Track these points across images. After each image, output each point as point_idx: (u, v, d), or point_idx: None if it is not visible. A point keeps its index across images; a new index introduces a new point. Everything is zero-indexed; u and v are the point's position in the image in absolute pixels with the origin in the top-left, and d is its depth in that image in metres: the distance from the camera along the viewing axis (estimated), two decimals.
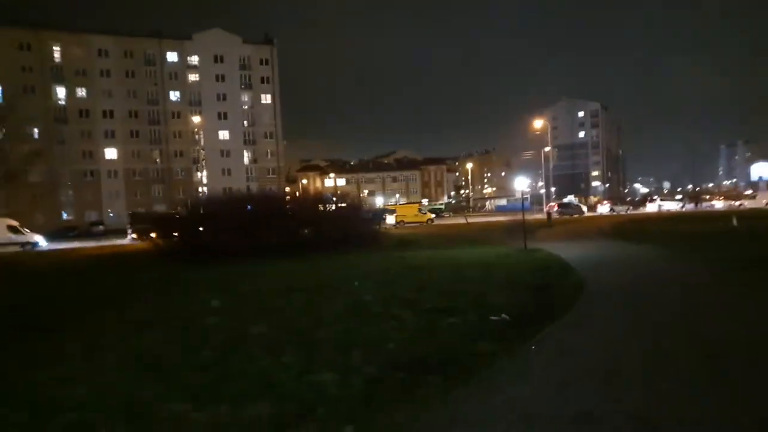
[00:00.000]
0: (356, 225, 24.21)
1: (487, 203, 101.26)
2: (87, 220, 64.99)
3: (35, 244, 35.95)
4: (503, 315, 7.56)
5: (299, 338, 6.62)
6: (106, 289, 13.12)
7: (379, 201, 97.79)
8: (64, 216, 68.24)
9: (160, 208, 63.17)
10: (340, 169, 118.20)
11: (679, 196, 76.09)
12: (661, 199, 70.23)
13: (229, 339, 6.68)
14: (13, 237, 35.41)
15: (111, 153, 73.11)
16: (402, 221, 47.57)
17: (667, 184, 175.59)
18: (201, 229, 21.37)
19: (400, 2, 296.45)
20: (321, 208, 25.76)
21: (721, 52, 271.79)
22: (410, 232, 33.83)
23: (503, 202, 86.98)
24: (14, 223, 37.18)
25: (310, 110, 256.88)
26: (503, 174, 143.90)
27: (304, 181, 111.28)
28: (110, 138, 72.66)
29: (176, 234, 22.55)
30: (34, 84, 67.75)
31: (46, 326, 8.43)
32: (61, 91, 70.11)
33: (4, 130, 48.03)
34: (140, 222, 28.38)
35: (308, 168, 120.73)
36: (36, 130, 67.02)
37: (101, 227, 58.71)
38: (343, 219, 24.33)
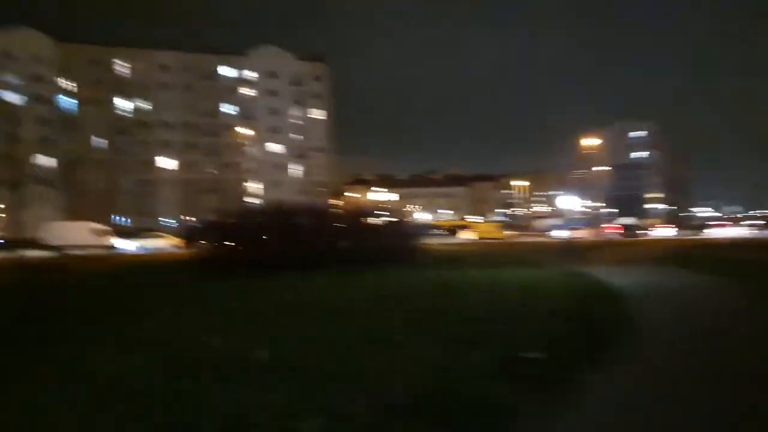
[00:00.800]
0: (399, 240, 23.94)
1: (541, 222, 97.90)
2: (140, 225, 67.97)
3: (124, 249, 37.19)
4: (536, 353, 6.54)
5: (301, 369, 5.89)
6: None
7: (426, 216, 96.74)
8: (119, 221, 71.69)
9: (210, 217, 64.97)
10: (389, 183, 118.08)
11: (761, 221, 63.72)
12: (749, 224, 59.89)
13: (223, 366, 6.02)
14: (98, 240, 37.01)
15: (168, 163, 76.41)
16: (482, 237, 51.75)
17: (732, 209, 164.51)
18: (262, 238, 21.51)
19: (451, 18, 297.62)
20: (364, 221, 25.48)
21: None
22: (456, 249, 32.75)
23: (557, 221, 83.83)
24: (100, 226, 38.82)
25: (362, 126, 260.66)
26: (555, 192, 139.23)
27: (352, 195, 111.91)
28: (167, 148, 76.02)
29: (234, 243, 22.56)
30: (101, 96, 72.04)
31: None
32: (124, 104, 74.32)
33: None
34: (210, 229, 29.30)
35: (357, 182, 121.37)
36: (103, 141, 71.20)
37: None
38: (386, 233, 24.15)
